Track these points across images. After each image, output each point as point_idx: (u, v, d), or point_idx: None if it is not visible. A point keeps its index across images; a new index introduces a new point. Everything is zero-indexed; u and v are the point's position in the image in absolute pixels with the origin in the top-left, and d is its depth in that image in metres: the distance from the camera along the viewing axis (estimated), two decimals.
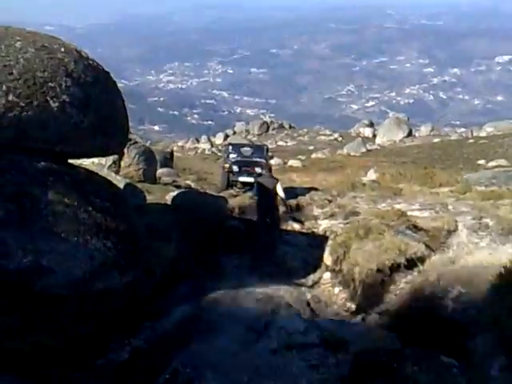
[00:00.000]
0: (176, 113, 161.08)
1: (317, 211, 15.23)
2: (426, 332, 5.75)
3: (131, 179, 14.44)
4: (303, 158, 49.43)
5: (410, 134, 64.54)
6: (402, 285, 7.30)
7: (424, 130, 68.39)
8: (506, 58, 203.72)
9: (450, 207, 12.07)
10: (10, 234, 5.27)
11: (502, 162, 33.54)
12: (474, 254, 8.15)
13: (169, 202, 12.43)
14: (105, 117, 6.73)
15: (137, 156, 16.72)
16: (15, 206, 5.43)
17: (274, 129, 76.51)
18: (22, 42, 6.06)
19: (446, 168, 31.13)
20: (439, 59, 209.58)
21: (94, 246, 5.85)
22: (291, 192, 17.49)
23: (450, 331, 5.62)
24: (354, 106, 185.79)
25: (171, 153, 28.55)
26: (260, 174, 16.90)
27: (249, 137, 67.49)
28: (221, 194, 17.06)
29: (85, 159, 9.09)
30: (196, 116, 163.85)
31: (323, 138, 69.27)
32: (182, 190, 15.34)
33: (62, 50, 6.42)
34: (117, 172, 14.70)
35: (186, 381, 4.92)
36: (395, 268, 7.78)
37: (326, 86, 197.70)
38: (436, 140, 59.98)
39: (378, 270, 7.76)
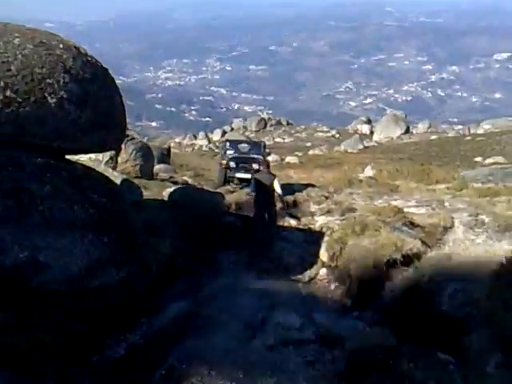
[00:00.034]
0: (173, 109, 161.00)
1: (313, 207, 15.27)
2: (421, 328, 5.75)
3: (128, 175, 14.43)
4: (300, 154, 49.38)
5: (407, 130, 64.56)
6: (398, 281, 7.30)
7: (421, 127, 68.39)
8: (505, 55, 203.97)
9: (446, 204, 12.07)
10: (7, 230, 5.27)
11: (499, 159, 33.51)
12: (470, 251, 8.16)
13: (166, 198, 12.43)
14: (103, 113, 6.73)
15: (134, 152, 16.71)
16: (13, 202, 5.43)
17: (271, 125, 76.51)
18: (20, 38, 6.06)
19: (442, 165, 31.11)
20: (438, 57, 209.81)
21: (91, 241, 5.85)
22: (288, 188, 17.51)
23: (446, 328, 5.62)
24: (352, 103, 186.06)
25: (168, 149, 28.56)
26: (257, 171, 16.89)
27: (246, 133, 67.38)
28: (218, 190, 17.07)
29: (82, 155, 9.10)
30: (194, 112, 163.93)
31: (320, 134, 69.26)
32: (179, 186, 15.32)
33: (61, 46, 6.42)
34: (114, 168, 14.67)
35: (182, 377, 4.93)
36: (391, 264, 7.78)
37: (324, 83, 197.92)
38: (433, 137, 59.98)
39: (374, 267, 7.77)
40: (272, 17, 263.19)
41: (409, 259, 7.96)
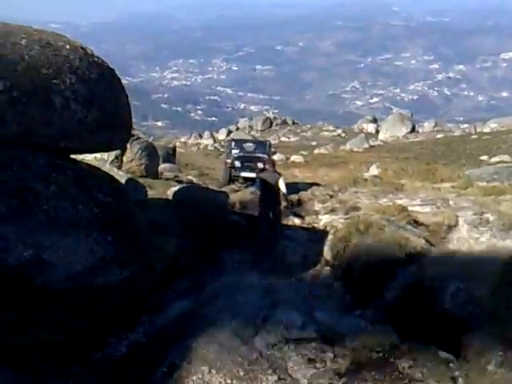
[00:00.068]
0: (179, 109, 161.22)
1: (318, 206, 15.26)
2: (423, 327, 5.76)
3: (133, 174, 14.50)
4: (306, 153, 49.31)
5: (413, 129, 64.37)
6: (401, 279, 7.30)
7: (427, 126, 68.19)
8: None
9: (451, 202, 12.05)
10: (12, 229, 5.31)
11: (505, 157, 33.41)
12: (474, 249, 8.15)
13: (170, 198, 12.47)
14: (109, 113, 6.78)
15: (139, 151, 16.76)
16: (17, 202, 5.47)
17: (277, 125, 76.45)
18: (27, 39, 6.11)
19: (448, 164, 31.05)
20: (445, 56, 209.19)
21: (95, 240, 5.88)
22: (293, 187, 17.52)
23: (447, 326, 5.62)
24: (358, 103, 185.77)
25: (173, 148, 28.62)
26: (262, 170, 16.92)
27: (252, 133, 67.34)
28: (222, 189, 17.10)
29: (87, 154, 9.16)
30: (200, 112, 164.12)
31: (326, 133, 69.16)
32: (184, 185, 15.36)
33: (67, 47, 6.46)
34: (119, 167, 14.74)
35: (183, 375, 4.96)
36: (394, 263, 7.77)
37: (330, 82, 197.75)
38: (439, 136, 59.81)
39: (378, 265, 7.76)
40: (278, 17, 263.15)
41: (412, 257, 7.96)
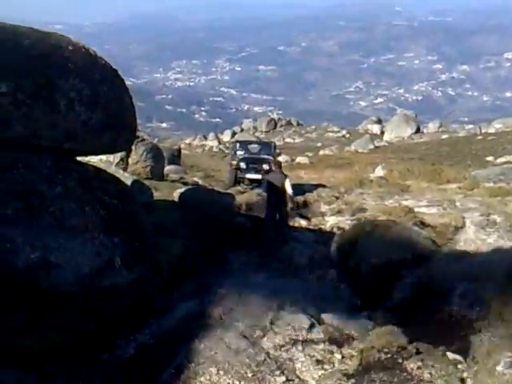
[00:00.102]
0: (184, 110, 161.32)
1: (324, 208, 15.26)
2: (432, 328, 5.74)
3: (139, 176, 14.51)
4: (311, 154, 49.24)
5: (418, 130, 64.17)
6: (409, 281, 7.28)
7: (432, 127, 67.96)
8: None
9: (457, 204, 12.04)
10: (19, 232, 5.32)
11: (511, 158, 33.28)
12: (482, 250, 8.13)
13: (176, 199, 12.47)
14: (113, 114, 6.77)
15: (144, 153, 16.78)
16: (23, 204, 5.48)
17: (281, 126, 76.25)
18: (31, 40, 6.10)
19: (454, 164, 30.97)
20: (448, 56, 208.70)
21: (102, 242, 5.89)
22: (299, 189, 17.50)
23: (456, 327, 5.61)
24: (362, 103, 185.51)
25: (179, 150, 28.63)
26: (267, 171, 16.91)
27: (256, 134, 67.30)
28: (228, 191, 17.10)
29: (93, 156, 9.16)
30: (204, 113, 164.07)
31: (331, 134, 68.99)
32: (190, 187, 15.37)
33: (71, 48, 6.46)
34: (124, 169, 14.77)
35: (191, 376, 4.95)
36: (402, 264, 7.75)
37: (334, 82, 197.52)
38: (444, 136, 59.62)
39: (385, 266, 7.75)
40: (280, 17, 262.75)
41: (420, 259, 7.94)
